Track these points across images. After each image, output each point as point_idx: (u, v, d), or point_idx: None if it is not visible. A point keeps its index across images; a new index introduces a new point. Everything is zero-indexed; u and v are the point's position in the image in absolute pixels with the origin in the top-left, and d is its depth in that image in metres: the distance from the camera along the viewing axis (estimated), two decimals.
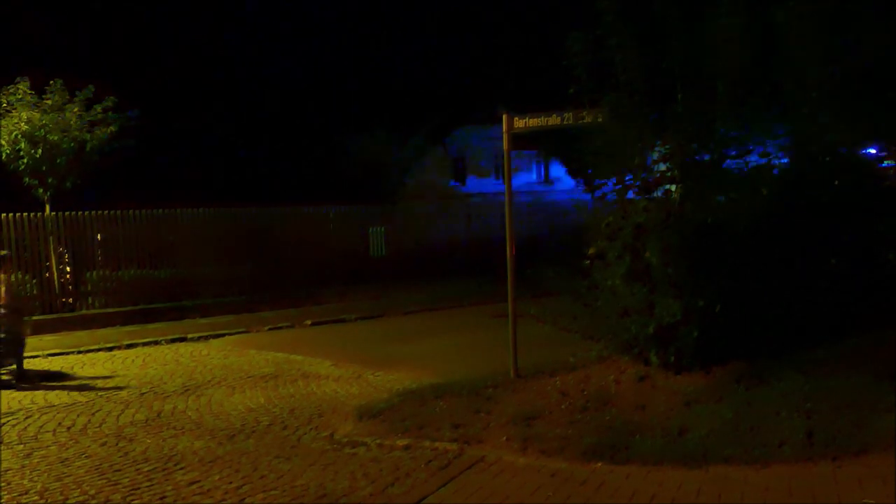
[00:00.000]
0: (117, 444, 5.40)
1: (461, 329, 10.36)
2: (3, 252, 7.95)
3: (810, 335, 5.66)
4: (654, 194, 5.80)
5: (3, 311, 7.43)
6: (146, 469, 4.81)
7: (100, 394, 7.08)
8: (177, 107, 19.41)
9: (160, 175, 18.60)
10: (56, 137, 12.03)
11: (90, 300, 12.43)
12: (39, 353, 9.35)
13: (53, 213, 12.34)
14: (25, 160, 11.98)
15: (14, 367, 7.56)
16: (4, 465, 4.97)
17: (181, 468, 4.81)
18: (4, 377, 7.48)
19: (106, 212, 12.80)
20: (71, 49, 18.47)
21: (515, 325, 6.70)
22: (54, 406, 6.62)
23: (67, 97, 12.38)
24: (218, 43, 21.76)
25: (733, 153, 5.69)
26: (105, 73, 14.65)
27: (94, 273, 12.52)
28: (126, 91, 13.37)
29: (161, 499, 4.29)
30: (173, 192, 15.25)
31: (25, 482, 4.63)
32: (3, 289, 7.48)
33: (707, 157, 5.61)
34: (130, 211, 12.97)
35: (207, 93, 20.92)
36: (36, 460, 5.08)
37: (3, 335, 7.36)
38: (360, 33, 25.99)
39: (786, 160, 6.12)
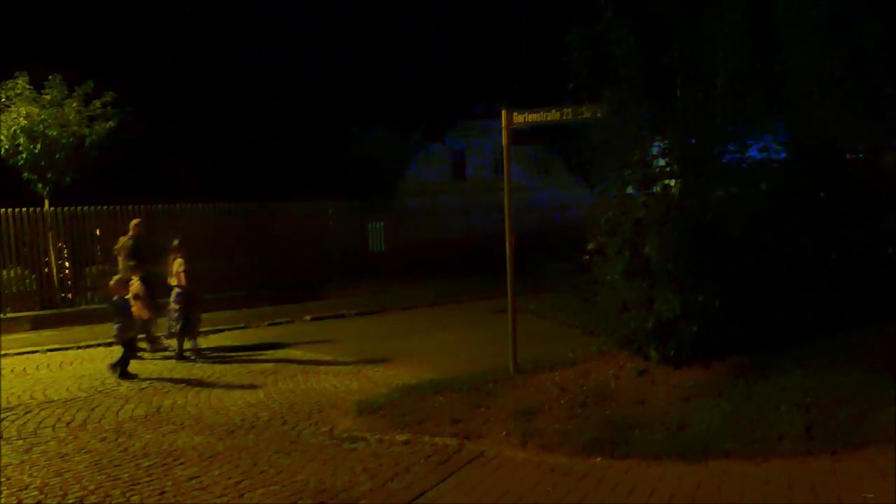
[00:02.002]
0: (117, 440, 5.38)
1: (460, 324, 10.36)
2: (176, 241, 8.68)
3: (810, 330, 5.66)
4: (654, 189, 5.79)
5: (180, 291, 8.34)
6: (146, 464, 4.80)
7: (99, 389, 7.06)
8: (176, 102, 19.34)
9: (159, 170, 18.54)
10: (55, 132, 11.98)
11: (89, 295, 12.39)
12: (38, 349, 9.34)
13: (52, 209, 12.30)
14: (24, 155, 11.93)
15: (190, 343, 8.53)
16: (4, 460, 4.96)
17: (181, 463, 4.80)
18: (186, 353, 8.43)
19: (105, 207, 12.76)
20: (70, 44, 18.39)
21: (515, 320, 6.69)
22: (53, 401, 6.61)
23: (66, 92, 12.32)
24: (217, 38, 21.67)
25: (733, 148, 5.68)
26: (104, 69, 14.57)
27: (94, 268, 12.48)
28: (125, 86, 13.32)
29: (160, 494, 4.28)
30: (172, 187, 15.21)
31: (25, 477, 4.62)
32: (183, 271, 8.33)
33: (706, 153, 5.59)
34: (129, 206, 12.92)
35: (206, 88, 20.85)
36: (35, 455, 5.07)
37: (182, 314, 8.32)
38: (360, 28, 25.90)
39: (785, 155, 6.10)
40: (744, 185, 5.74)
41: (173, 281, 8.48)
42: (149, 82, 18.37)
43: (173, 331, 8.51)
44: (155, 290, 8.65)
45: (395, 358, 8.07)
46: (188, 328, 8.43)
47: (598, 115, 5.91)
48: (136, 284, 8.16)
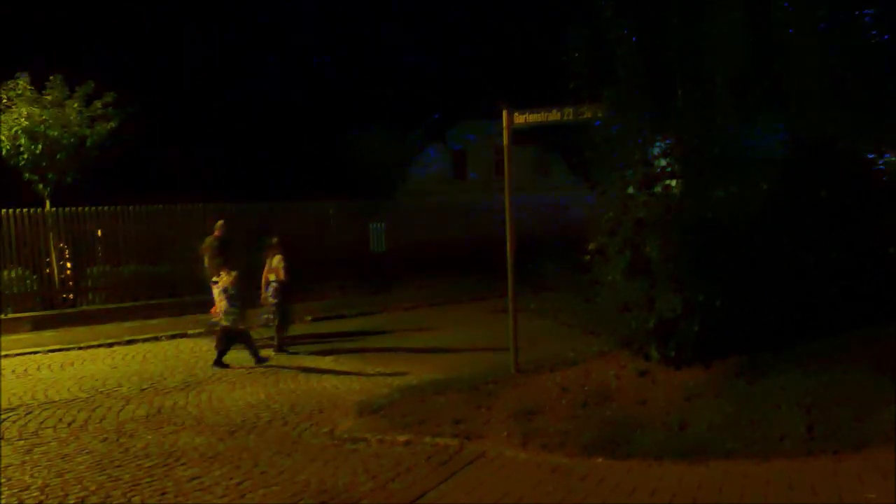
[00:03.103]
0: (118, 440, 5.39)
1: (461, 324, 10.37)
2: (275, 239, 9.11)
3: (810, 329, 5.66)
4: (655, 189, 5.78)
5: (277, 286, 8.62)
6: (147, 465, 4.81)
7: (100, 390, 7.07)
8: (176, 103, 19.34)
9: (160, 170, 18.53)
10: (56, 133, 11.99)
11: (90, 296, 12.40)
12: (39, 349, 9.34)
13: (53, 209, 12.31)
14: (25, 156, 11.95)
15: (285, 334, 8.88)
16: (5, 461, 4.97)
17: (182, 464, 4.80)
18: (289, 348, 8.70)
19: (106, 207, 12.77)
20: (72, 44, 18.39)
21: (516, 320, 6.69)
22: (55, 402, 6.62)
23: (68, 93, 12.34)
24: (219, 38, 21.67)
25: (733, 148, 5.67)
26: (105, 69, 14.58)
27: (95, 269, 12.50)
28: (127, 87, 13.32)
29: (162, 495, 4.28)
30: (173, 187, 15.17)
31: (26, 478, 4.63)
32: (283, 267, 8.66)
33: (707, 152, 5.58)
34: (130, 206, 12.94)
35: (208, 89, 20.85)
36: (36, 456, 5.07)
37: (279, 307, 8.66)
38: (361, 28, 25.90)
39: (785, 154, 6.10)
40: (744, 185, 5.73)
41: (272, 276, 8.75)
42: (150, 83, 18.39)
43: (271, 324, 8.78)
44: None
45: (396, 358, 8.08)
46: (285, 321, 8.80)
47: (599, 115, 5.90)
48: (225, 280, 8.48)
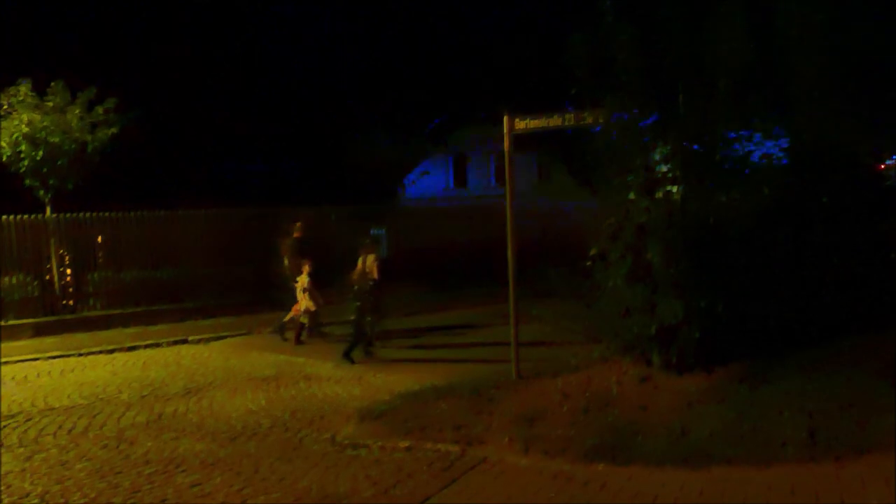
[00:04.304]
0: (118, 447, 5.39)
1: (462, 330, 10.37)
2: (368, 239, 9.57)
3: (813, 334, 5.67)
4: (656, 195, 5.80)
5: (372, 284, 8.79)
6: (147, 472, 4.82)
7: (100, 396, 7.08)
8: (178, 108, 19.38)
9: (162, 176, 18.56)
10: (57, 139, 12.03)
11: (91, 302, 12.40)
12: (40, 356, 9.35)
13: (54, 215, 12.33)
14: (26, 162, 11.97)
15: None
16: (5, 467, 4.97)
17: (182, 470, 4.81)
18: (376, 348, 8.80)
19: (107, 213, 12.79)
20: (73, 50, 18.46)
21: (517, 326, 6.69)
22: (55, 409, 6.62)
23: (69, 98, 12.38)
24: (219, 44, 21.73)
25: (735, 153, 5.69)
26: (107, 75, 14.61)
27: (96, 274, 12.50)
28: (129, 92, 13.36)
29: (162, 501, 4.29)
30: (175, 193, 15.22)
31: (26, 485, 4.63)
32: (376, 266, 8.90)
33: (709, 158, 5.60)
34: (132, 212, 12.97)
35: (210, 95, 20.89)
36: (36, 463, 5.08)
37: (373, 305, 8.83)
38: (361, 33, 25.97)
39: (787, 160, 6.12)
40: (746, 191, 5.76)
41: (355, 274, 8.92)
42: (152, 89, 18.43)
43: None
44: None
45: (397, 363, 8.09)
46: (377, 318, 9.07)
47: (600, 120, 5.93)
48: (304, 279, 9.15)
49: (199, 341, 10.25)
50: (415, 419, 5.53)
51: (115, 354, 9.53)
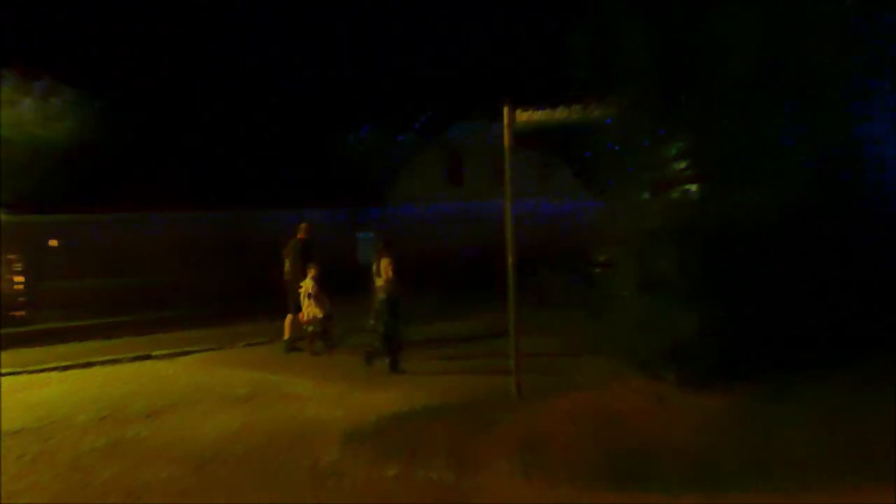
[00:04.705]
0: (74, 476, 5.31)
1: (457, 344, 10.31)
2: (381, 243, 9.59)
3: (843, 348, 5.67)
4: (671, 195, 5.81)
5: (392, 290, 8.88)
6: (107, 503, 4.73)
7: (53, 419, 6.99)
8: (147, 103, 19.27)
9: (130, 177, 18.44)
10: (8, 133, 11.96)
11: (44, 313, 12.30)
12: None
13: (5, 217, 12.24)
14: None
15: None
16: None
17: (146, 502, 4.73)
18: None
19: (65, 215, 12.71)
20: (29, 39, 18.36)
21: (518, 339, 6.68)
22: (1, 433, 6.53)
23: (23, 90, 12.31)
24: (196, 35, 21.65)
25: (757, 149, 5.70)
26: (68, 65, 14.53)
27: (50, 283, 12.41)
28: (91, 86, 13.30)
29: None
30: (144, 194, 15.11)
31: None
32: (391, 270, 8.94)
33: (729, 155, 5.61)
34: (94, 214, 12.89)
35: (183, 92, 20.79)
36: None
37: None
38: (347, 23, 25.98)
39: (814, 157, 6.13)
40: (769, 191, 5.75)
41: (379, 280, 9.07)
42: (120, 82, 18.33)
43: (378, 329, 9.03)
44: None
45: (385, 381, 8.03)
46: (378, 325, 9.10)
47: (610, 113, 5.92)
48: (309, 283, 9.30)
49: (163, 357, 10.14)
50: (404, 443, 5.50)
51: (70, 371, 9.41)
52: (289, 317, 9.99)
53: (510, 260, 6.74)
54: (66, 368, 9.53)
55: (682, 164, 5.84)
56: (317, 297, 9.38)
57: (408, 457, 5.24)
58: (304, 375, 8.55)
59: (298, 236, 10.37)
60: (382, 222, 17.14)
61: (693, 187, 5.87)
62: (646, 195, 5.99)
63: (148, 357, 10.14)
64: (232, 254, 14.20)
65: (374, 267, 9.16)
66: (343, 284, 14.75)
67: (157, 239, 13.67)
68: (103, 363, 9.81)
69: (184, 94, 20.00)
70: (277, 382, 8.31)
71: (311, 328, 9.63)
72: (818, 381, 5.42)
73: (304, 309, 9.56)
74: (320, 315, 9.49)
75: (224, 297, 13.61)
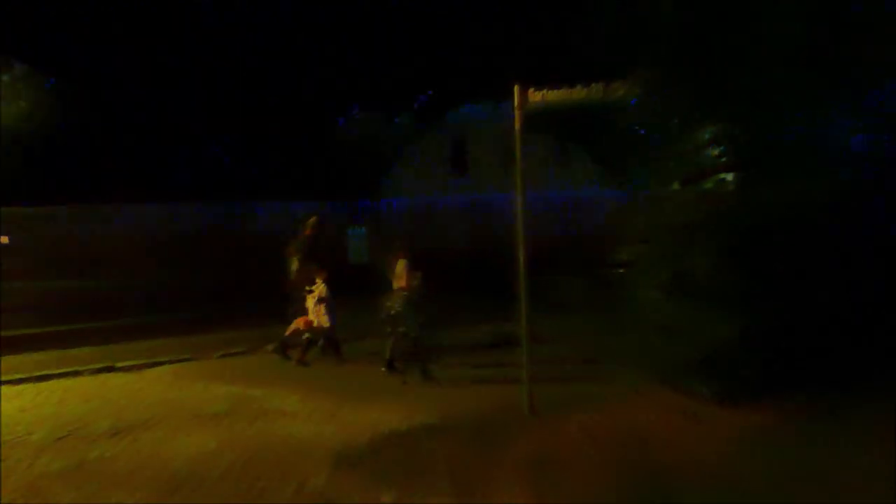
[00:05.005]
0: (29, 503, 5.27)
1: (461, 353, 10.28)
2: (396, 243, 9.62)
3: None
4: (704, 185, 5.80)
5: (406, 293, 9.00)
6: None
7: (5, 438, 6.96)
8: (122, 88, 19.25)
9: (91, 163, 18.41)
10: None
11: None
12: None
13: None
14: None
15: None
16: None
17: None
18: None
19: (19, 208, 12.69)
20: None
21: (530, 348, 6.64)
22: None
23: None
24: (169, 5, 21.59)
25: (802, 134, 5.69)
26: (19, 39, 14.50)
27: (2, 285, 12.39)
28: (47, 60, 13.27)
29: None
30: (107, 184, 15.12)
31: None
32: (407, 273, 9.07)
33: (771, 139, 5.59)
34: (51, 207, 12.87)
35: (158, 73, 20.74)
36: None
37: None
38: None
39: (865, 144, 6.11)
40: (815, 181, 5.73)
41: (396, 283, 9.15)
42: (77, 58, 18.30)
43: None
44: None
45: (381, 396, 8.00)
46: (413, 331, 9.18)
47: (635, 93, 5.90)
48: (320, 287, 9.36)
49: (130, 369, 10.10)
50: (401, 466, 5.50)
51: (23, 386, 9.38)
52: (304, 320, 9.92)
53: (521, 259, 6.69)
54: (18, 382, 9.50)
55: (717, 151, 5.84)
56: (328, 303, 9.40)
57: (405, 481, 5.22)
58: (289, 389, 8.52)
59: (306, 233, 10.34)
60: (376, 217, 17.12)
61: (729, 176, 5.91)
62: (675, 185, 5.99)
63: (112, 369, 10.12)
64: (206, 251, 14.17)
65: (389, 268, 9.23)
66: (328, 289, 14.77)
67: (124, 235, 13.64)
68: (61, 376, 9.77)
69: (155, 72, 19.95)
70: (259, 397, 8.28)
71: (308, 336, 9.62)
72: (870, 397, 5.39)
73: (311, 315, 9.57)
74: (327, 325, 9.52)
75: (199, 301, 13.59)
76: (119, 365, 10.22)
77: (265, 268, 14.84)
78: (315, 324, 9.49)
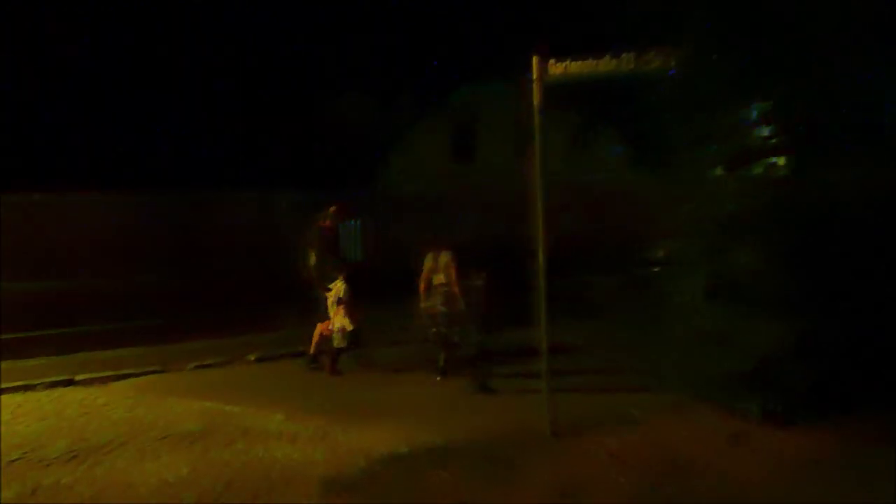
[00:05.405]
0: None
1: (470, 365, 10.27)
2: (438, 234, 10.18)
3: None
4: (753, 170, 5.77)
5: (447, 292, 9.30)
6: None
7: None
8: (65, 48, 19.24)
9: (45, 145, 18.44)
10: None
11: None
12: None
13: None
14: None
15: None
16: None
17: None
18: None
19: None
20: None
21: (551, 360, 6.64)
22: None
23: None
24: None
25: (867, 109, 5.66)
26: None
27: None
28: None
29: None
30: (62, 169, 15.12)
31: None
32: (454, 267, 9.36)
33: (831, 116, 5.56)
34: None
35: (120, 41, 20.76)
36: None
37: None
38: None
39: None
40: (881, 165, 5.70)
41: (437, 279, 9.43)
42: (27, 21, 18.32)
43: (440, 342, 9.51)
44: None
45: (377, 414, 8.00)
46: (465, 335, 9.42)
47: (672, 64, 5.89)
48: (340, 286, 9.55)
49: (91, 382, 10.14)
50: (402, 495, 5.50)
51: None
52: (319, 325, 10.07)
53: (540, 256, 6.66)
54: None
55: (767, 130, 5.81)
56: (348, 304, 9.54)
57: None
58: (273, 405, 8.52)
59: (323, 223, 10.42)
60: (372, 209, 17.11)
61: (781, 160, 5.90)
62: (718, 171, 5.97)
63: (71, 382, 10.16)
64: (178, 248, 14.16)
65: (430, 263, 9.44)
66: (314, 295, 14.77)
67: (83, 229, 13.60)
68: (12, 390, 9.79)
69: (118, 42, 19.95)
70: (238, 415, 8.29)
71: (337, 343, 9.70)
72: None
73: (332, 318, 9.67)
74: (350, 327, 9.60)
75: (169, 305, 13.58)
76: (79, 378, 10.26)
77: (244, 266, 14.86)
78: (337, 327, 9.60)
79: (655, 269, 6.25)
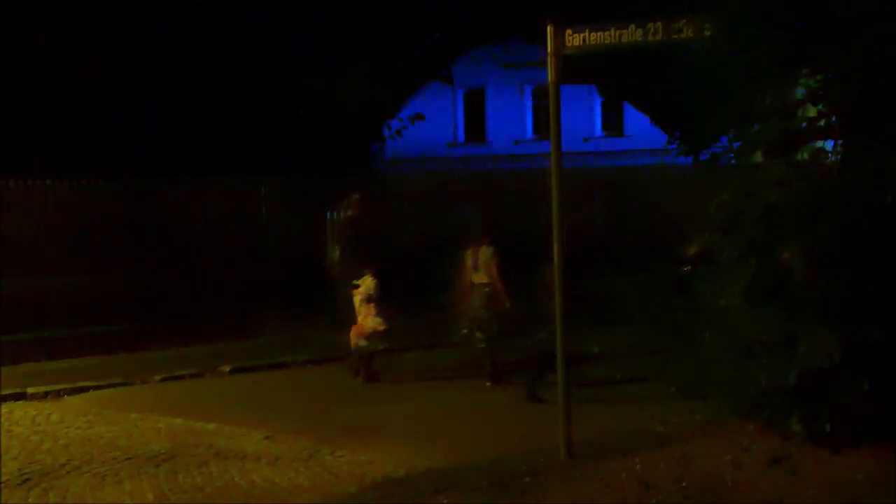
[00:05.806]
0: None
1: (475, 376, 10.31)
2: (478, 227, 10.33)
3: None
4: (799, 156, 5.80)
5: (489, 291, 9.54)
6: None
7: None
8: (36, 33, 19.29)
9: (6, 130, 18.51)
10: None
11: None
12: None
13: None
14: None
15: None
16: None
17: None
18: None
19: None
20: None
21: (568, 370, 6.66)
22: None
23: None
24: None
25: None
26: None
27: None
28: None
29: None
30: (9, 154, 15.13)
31: None
32: (495, 264, 9.57)
33: (887, 96, 5.56)
34: None
35: (86, 16, 20.78)
36: None
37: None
38: None
39: None
40: None
41: (477, 277, 9.53)
42: None
43: (480, 343, 9.76)
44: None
45: (370, 433, 8.04)
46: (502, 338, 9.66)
47: (706, 33, 5.86)
48: (369, 283, 9.81)
49: (45, 396, 10.19)
50: None
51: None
52: (355, 327, 10.16)
53: (556, 252, 6.67)
54: None
55: (814, 111, 5.79)
56: (377, 302, 9.75)
57: None
58: (251, 423, 8.55)
59: (348, 213, 10.60)
60: (367, 195, 17.10)
61: (829, 145, 5.92)
62: (758, 156, 5.97)
63: (22, 396, 10.19)
64: (144, 243, 14.18)
65: (469, 259, 9.55)
66: (301, 291, 14.79)
67: (34, 221, 13.63)
68: None
69: (91, 26, 19.96)
70: (211, 433, 8.33)
71: (372, 344, 9.89)
72: None
73: (360, 319, 9.86)
74: (381, 328, 9.80)
75: (133, 308, 13.61)
76: (31, 391, 10.30)
77: (216, 263, 14.82)
78: (368, 329, 9.79)
79: (687, 268, 6.26)
